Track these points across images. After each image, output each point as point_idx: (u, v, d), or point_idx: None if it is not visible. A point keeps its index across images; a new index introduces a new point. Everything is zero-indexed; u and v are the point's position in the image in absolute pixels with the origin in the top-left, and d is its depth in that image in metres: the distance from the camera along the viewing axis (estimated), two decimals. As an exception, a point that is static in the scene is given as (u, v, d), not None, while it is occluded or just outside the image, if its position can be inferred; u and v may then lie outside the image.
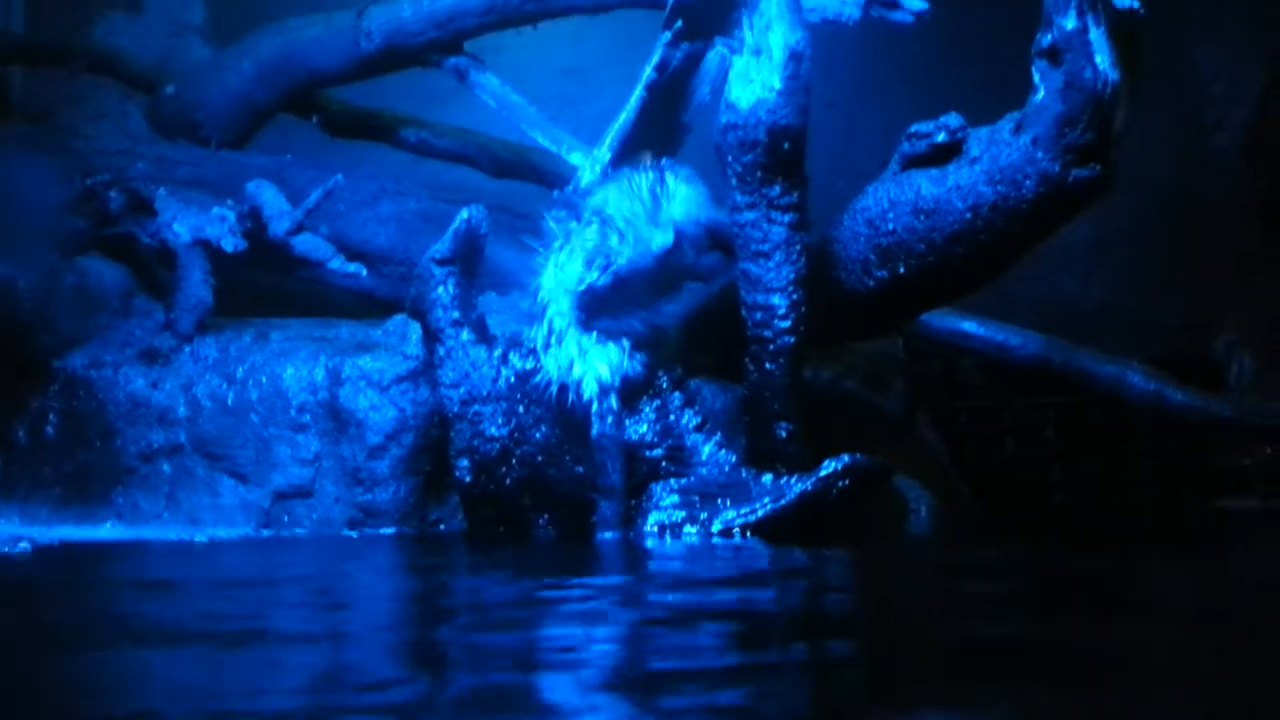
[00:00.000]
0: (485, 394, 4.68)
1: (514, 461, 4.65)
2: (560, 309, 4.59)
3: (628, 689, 2.09)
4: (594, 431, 4.51)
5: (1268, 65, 6.69)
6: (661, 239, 4.59)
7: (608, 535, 4.50)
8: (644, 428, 4.57)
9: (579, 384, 4.52)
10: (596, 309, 4.56)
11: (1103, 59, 4.23)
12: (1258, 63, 6.72)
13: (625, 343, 4.57)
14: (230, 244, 5.32)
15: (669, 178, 4.68)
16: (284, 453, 4.94)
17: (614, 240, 4.56)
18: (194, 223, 5.40)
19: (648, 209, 4.61)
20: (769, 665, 2.26)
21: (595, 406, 4.51)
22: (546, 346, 4.59)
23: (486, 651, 2.46)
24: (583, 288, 4.53)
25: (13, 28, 6.85)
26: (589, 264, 4.55)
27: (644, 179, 4.65)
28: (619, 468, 4.52)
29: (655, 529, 4.51)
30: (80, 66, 6.40)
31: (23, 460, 5.12)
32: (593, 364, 4.52)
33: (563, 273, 4.60)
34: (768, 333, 4.61)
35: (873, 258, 4.69)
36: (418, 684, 2.17)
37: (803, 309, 4.60)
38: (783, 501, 4.42)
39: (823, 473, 4.40)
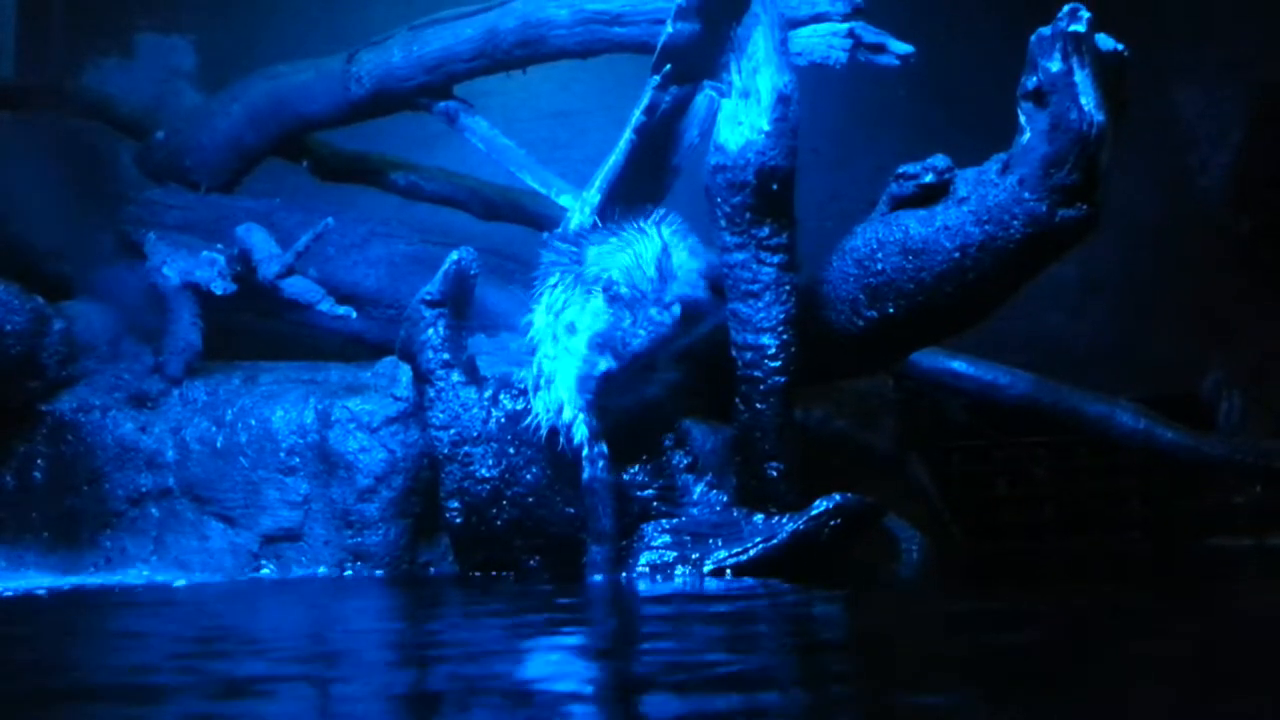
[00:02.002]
0: (476, 435, 4.67)
1: (505, 503, 4.63)
2: (547, 353, 4.56)
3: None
4: (584, 475, 4.49)
5: (1249, 108, 6.76)
6: (670, 317, 4.57)
7: (598, 578, 4.47)
8: (635, 468, 4.56)
9: (569, 428, 4.50)
10: (611, 392, 4.54)
11: (1088, 100, 4.27)
12: (1239, 105, 6.79)
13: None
14: (220, 287, 5.33)
15: (674, 250, 4.62)
16: (273, 495, 4.93)
17: (626, 322, 4.53)
18: (183, 266, 5.42)
19: (656, 287, 4.57)
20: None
21: (586, 451, 4.49)
22: (536, 389, 4.58)
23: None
24: (599, 373, 4.48)
25: (3, 72, 6.87)
26: (600, 349, 4.50)
27: (649, 250, 4.57)
28: (609, 512, 4.49)
29: (647, 569, 4.49)
30: (71, 111, 6.42)
31: (9, 505, 5.08)
32: (584, 407, 4.50)
33: (569, 346, 4.52)
34: (758, 373, 4.61)
35: (862, 297, 4.70)
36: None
37: (793, 349, 4.61)
38: (774, 541, 4.41)
39: (814, 512, 4.39)
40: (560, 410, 4.51)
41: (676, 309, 4.56)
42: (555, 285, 4.63)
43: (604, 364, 4.49)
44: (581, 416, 4.48)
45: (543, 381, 4.56)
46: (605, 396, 4.51)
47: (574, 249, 4.70)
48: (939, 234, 4.55)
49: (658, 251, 4.56)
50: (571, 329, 4.54)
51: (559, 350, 4.55)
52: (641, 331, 4.52)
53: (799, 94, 4.58)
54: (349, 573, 4.83)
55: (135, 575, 4.86)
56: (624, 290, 4.52)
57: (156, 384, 5.17)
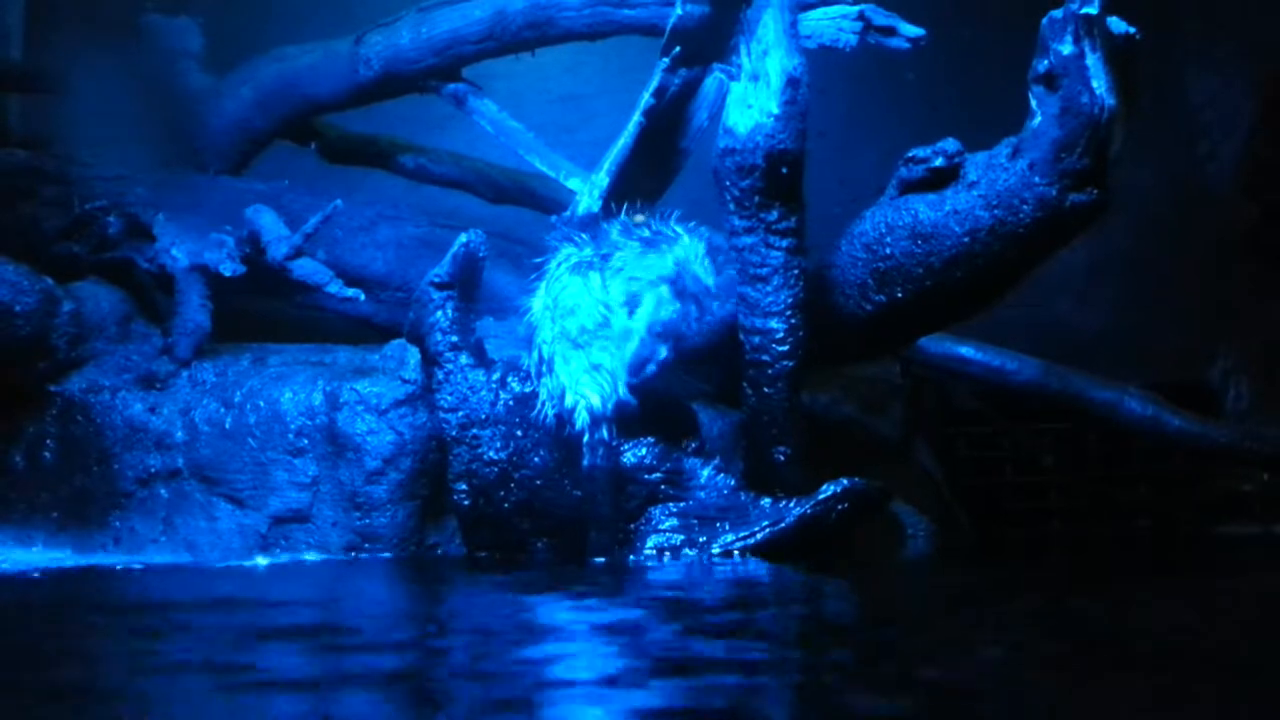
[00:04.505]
0: (484, 418, 4.68)
1: (513, 485, 4.63)
2: (545, 337, 4.55)
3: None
4: (585, 463, 4.49)
5: (1260, 95, 6.74)
6: (725, 312, 4.59)
7: (599, 560, 4.48)
8: (643, 451, 4.57)
9: (571, 413, 4.50)
10: (656, 381, 4.53)
11: (1099, 84, 4.26)
12: (1249, 92, 6.77)
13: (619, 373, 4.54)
14: (228, 269, 5.32)
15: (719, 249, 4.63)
16: (281, 477, 4.92)
17: (693, 315, 4.52)
18: (192, 248, 5.41)
19: (717, 283, 4.57)
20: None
21: (587, 438, 4.49)
22: (539, 374, 4.58)
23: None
24: (660, 359, 4.47)
25: (10, 54, 6.86)
26: (663, 338, 4.47)
27: (698, 246, 4.54)
28: (608, 499, 4.49)
29: (654, 552, 4.50)
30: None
31: (19, 485, 5.07)
32: (584, 393, 4.50)
33: (624, 329, 4.50)
34: (766, 357, 4.62)
35: (870, 282, 4.70)
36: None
37: (800, 333, 4.61)
38: (782, 525, 4.42)
39: (822, 496, 4.40)
40: (562, 396, 4.51)
41: (730, 305, 4.57)
42: (559, 267, 4.61)
43: (664, 352, 4.50)
44: (582, 403, 4.47)
45: (543, 367, 4.56)
46: (650, 383, 4.51)
47: (583, 234, 4.69)
48: (948, 218, 4.55)
49: (707, 248, 4.56)
50: (572, 313, 4.52)
51: (545, 295, 4.54)
52: (699, 325, 4.53)
53: (809, 77, 4.57)
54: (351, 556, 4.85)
55: (153, 554, 4.88)
56: (690, 284, 4.51)
57: (165, 365, 5.17)
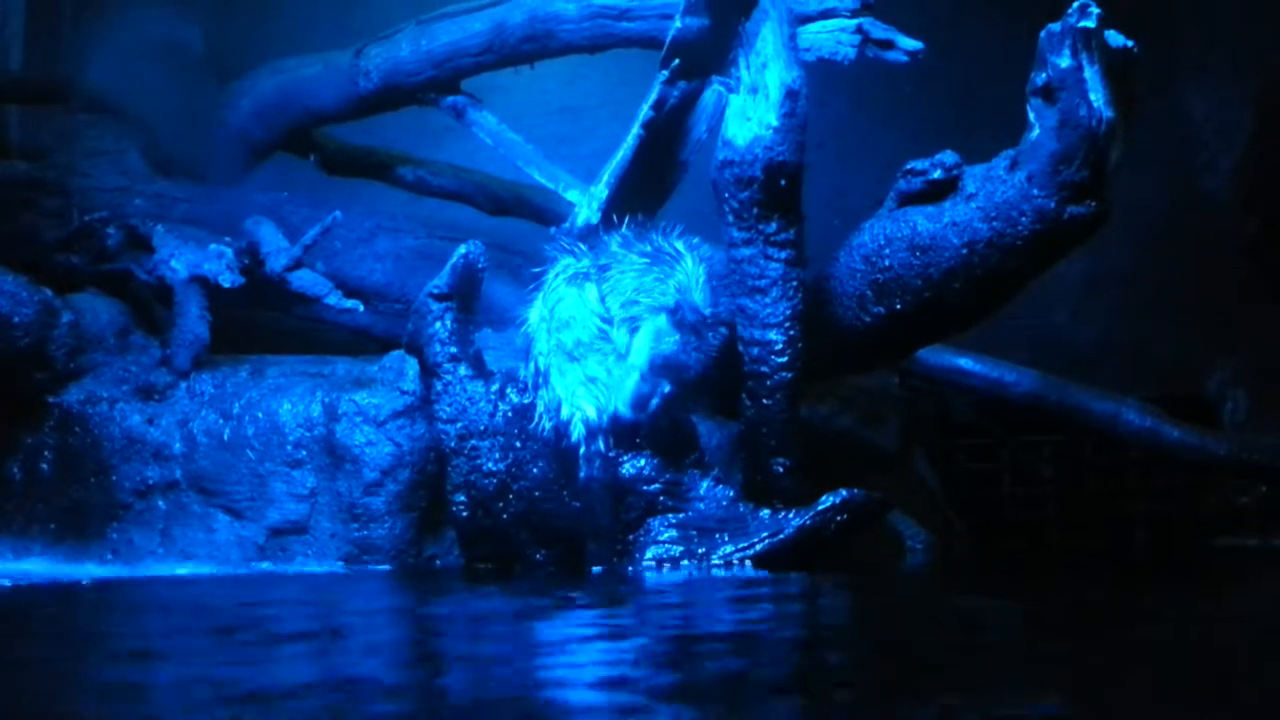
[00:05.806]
0: (482, 429, 4.67)
1: (511, 496, 4.63)
2: (541, 349, 4.55)
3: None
4: (581, 475, 4.49)
5: (1257, 107, 6.75)
6: (719, 339, 4.59)
7: (597, 570, 4.48)
8: (641, 462, 4.57)
9: (567, 425, 4.50)
10: (661, 418, 4.53)
11: (1097, 97, 4.27)
12: (1247, 104, 6.79)
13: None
14: (228, 280, 5.32)
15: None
16: (280, 489, 4.92)
17: (691, 346, 4.50)
18: (191, 259, 5.40)
19: (713, 311, 4.55)
20: None
21: (583, 449, 4.49)
22: (535, 386, 4.58)
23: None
24: (663, 394, 4.46)
25: (10, 65, 6.87)
26: (664, 370, 4.46)
27: (698, 272, 4.52)
28: (607, 510, 4.50)
29: (653, 563, 4.50)
30: (78, 104, 6.42)
31: (17, 496, 5.06)
32: (580, 405, 4.50)
33: (623, 363, 4.49)
34: (764, 368, 4.62)
35: (869, 294, 4.71)
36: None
37: (799, 345, 4.61)
38: (780, 536, 4.42)
39: (820, 507, 4.40)
40: (559, 408, 4.51)
41: (724, 331, 4.57)
42: (557, 278, 4.61)
43: (667, 387, 4.49)
44: (578, 415, 4.47)
45: (540, 379, 4.56)
46: (656, 418, 4.50)
47: (582, 245, 4.69)
48: (947, 230, 4.56)
49: (705, 274, 4.54)
50: (568, 325, 4.51)
51: (542, 306, 4.54)
52: (698, 355, 4.52)
53: (807, 90, 4.58)
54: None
55: (151, 566, 4.86)
56: (689, 315, 4.49)
57: (164, 376, 5.17)
